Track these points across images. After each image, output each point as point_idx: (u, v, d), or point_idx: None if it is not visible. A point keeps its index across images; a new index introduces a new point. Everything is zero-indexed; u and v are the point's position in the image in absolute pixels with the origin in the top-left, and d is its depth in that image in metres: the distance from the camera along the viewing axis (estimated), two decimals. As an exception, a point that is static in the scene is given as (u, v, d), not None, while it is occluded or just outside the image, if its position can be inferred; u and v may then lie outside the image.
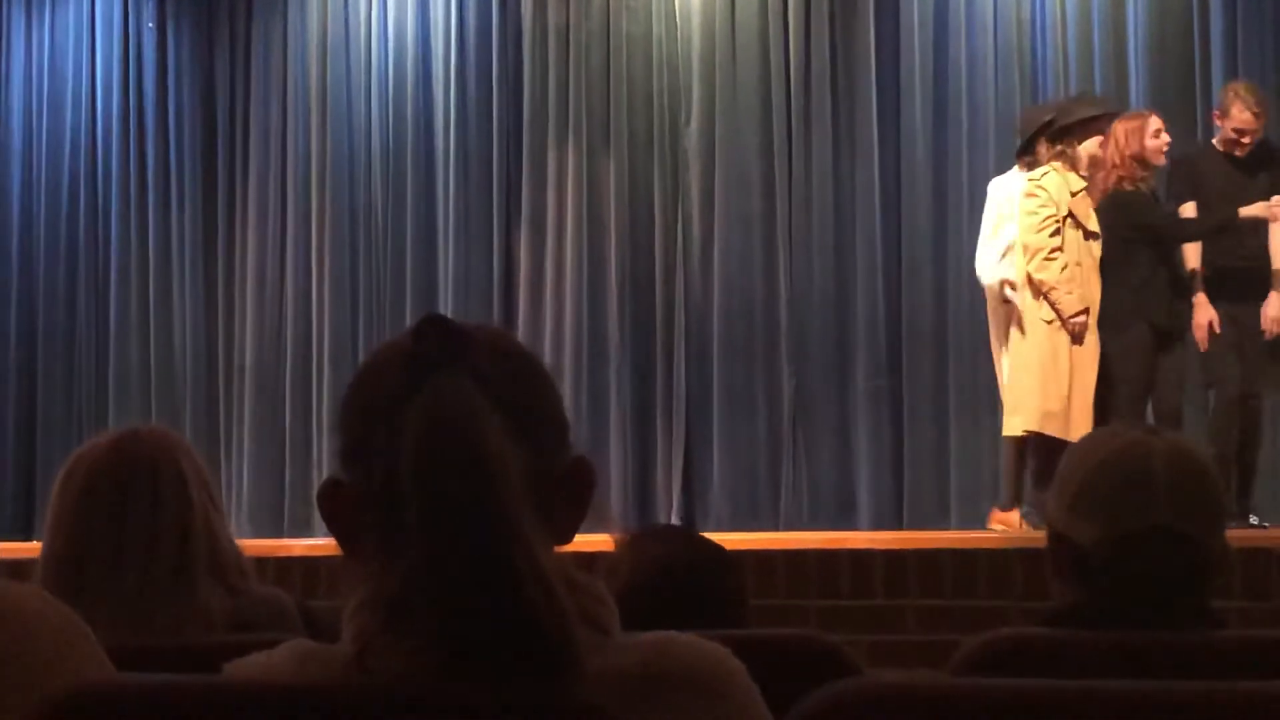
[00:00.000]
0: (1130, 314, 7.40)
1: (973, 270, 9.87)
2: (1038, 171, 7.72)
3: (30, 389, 11.35)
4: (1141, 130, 7.65)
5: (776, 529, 9.70)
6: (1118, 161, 7.60)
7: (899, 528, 9.56)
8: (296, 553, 6.67)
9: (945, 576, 5.89)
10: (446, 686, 1.28)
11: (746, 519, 9.96)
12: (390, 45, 11.10)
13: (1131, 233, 7.45)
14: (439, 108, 10.99)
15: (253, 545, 7.25)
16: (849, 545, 6.40)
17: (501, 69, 10.85)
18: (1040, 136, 7.91)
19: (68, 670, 1.51)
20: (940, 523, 9.62)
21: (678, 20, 10.58)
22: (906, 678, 1.35)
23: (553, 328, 10.50)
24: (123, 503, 2.56)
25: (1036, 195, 7.58)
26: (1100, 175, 7.65)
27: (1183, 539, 2.17)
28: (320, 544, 6.90)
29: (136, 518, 2.56)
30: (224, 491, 10.57)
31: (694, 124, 10.52)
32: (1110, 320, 7.44)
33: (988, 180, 9.89)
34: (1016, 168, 8.17)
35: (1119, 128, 7.71)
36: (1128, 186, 7.57)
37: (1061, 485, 2.26)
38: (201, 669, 1.43)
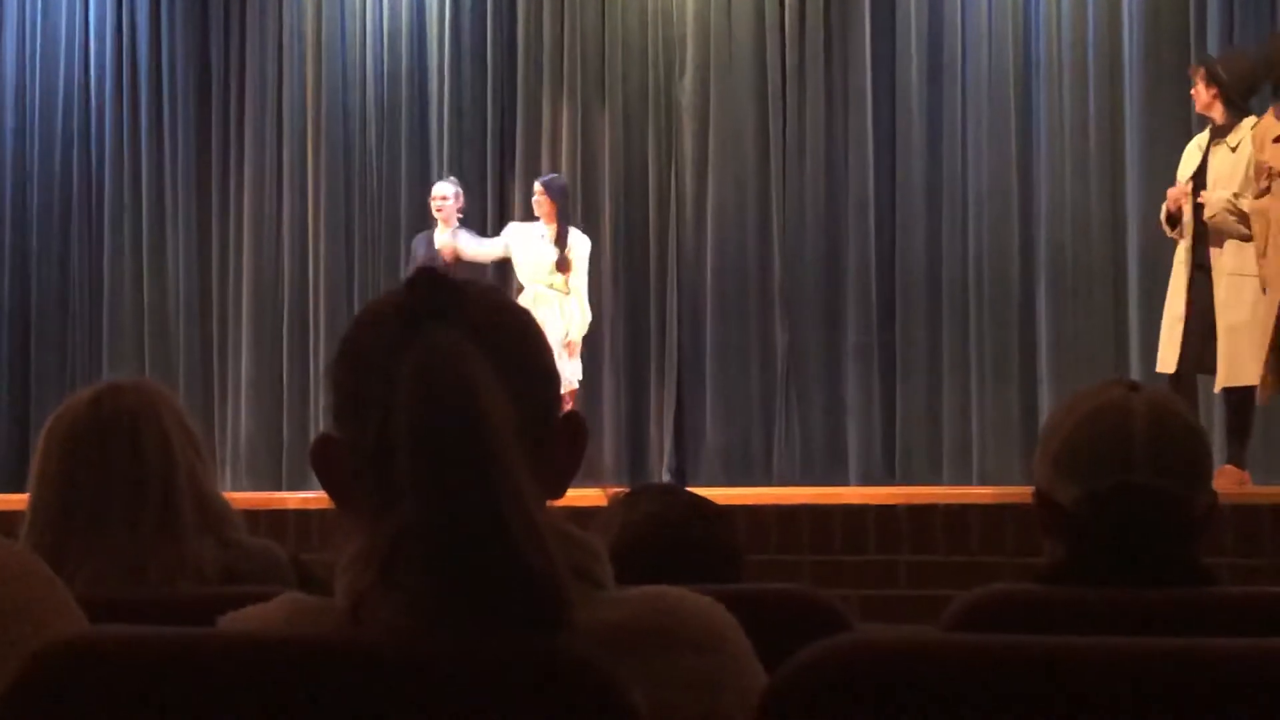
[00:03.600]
0: None
1: (965, 223, 9.91)
2: None
3: (24, 339, 11.35)
4: None
5: (769, 484, 9.72)
6: None
7: (891, 483, 9.58)
8: (291, 506, 6.68)
9: (937, 532, 5.91)
10: (439, 639, 1.28)
11: (739, 474, 9.99)
12: (384, -3, 11.07)
13: None
14: (433, 59, 10.96)
15: (247, 498, 7.27)
16: (841, 500, 6.42)
17: (495, 21, 10.83)
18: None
19: (40, 624, 1.51)
20: (932, 478, 9.64)
21: (673, -27, 10.56)
22: (897, 633, 1.35)
23: (546, 281, 10.49)
24: (104, 457, 2.56)
25: None
26: None
27: (1162, 495, 2.17)
28: (314, 497, 6.91)
29: (119, 472, 2.56)
30: (220, 444, 10.59)
31: (688, 78, 10.50)
32: None
33: (981, 134, 9.89)
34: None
35: None
36: None
37: (1044, 444, 2.27)
38: (193, 621, 1.44)
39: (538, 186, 9.50)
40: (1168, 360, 7.39)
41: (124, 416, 2.60)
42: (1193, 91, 7.52)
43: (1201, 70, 7.47)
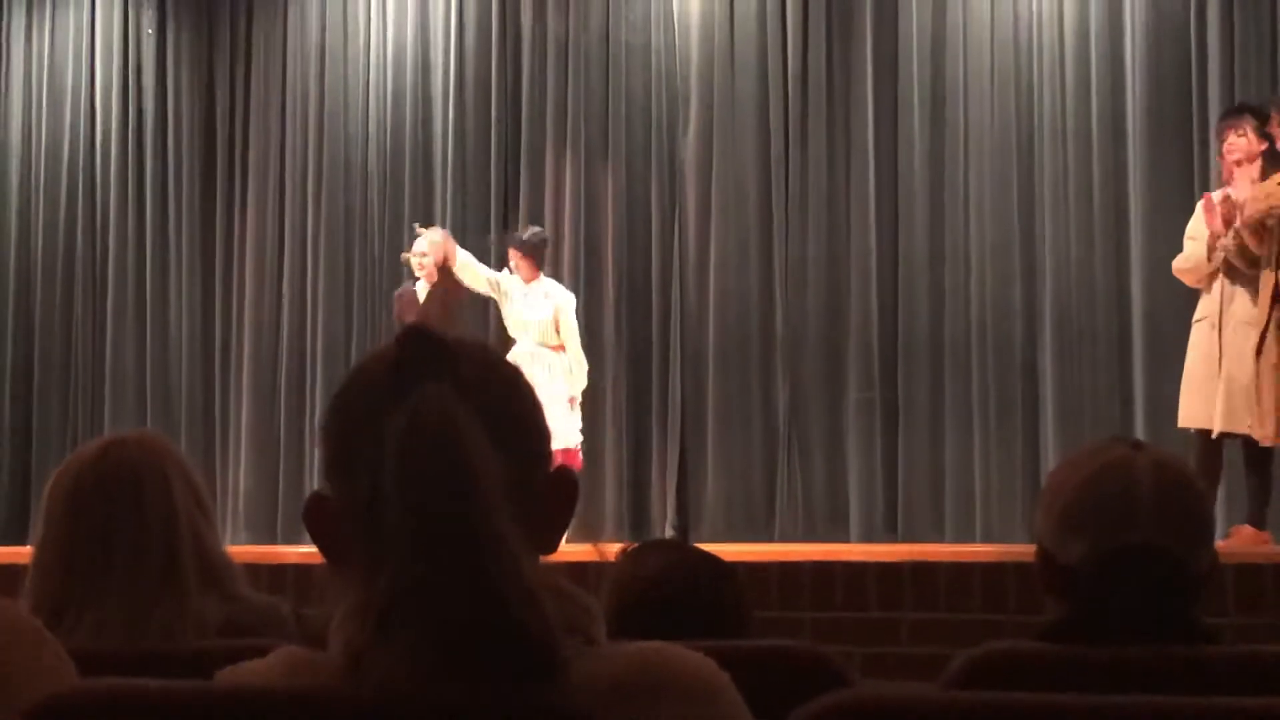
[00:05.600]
0: None
1: (969, 280, 9.92)
2: None
3: (26, 393, 11.36)
4: None
5: (771, 540, 9.70)
6: None
7: (893, 540, 9.56)
8: (290, 560, 6.67)
9: (939, 590, 5.89)
10: (434, 694, 1.28)
11: (741, 530, 9.96)
12: (389, 53, 11.11)
13: None
14: (437, 116, 10.99)
15: (246, 552, 7.27)
16: (843, 557, 6.40)
17: (500, 77, 10.86)
18: None
19: (31, 681, 1.51)
20: (935, 535, 9.62)
21: (676, 31, 10.59)
22: (898, 690, 1.35)
23: (549, 337, 10.49)
24: (108, 511, 2.56)
25: None
26: None
27: (1167, 555, 2.17)
28: (314, 552, 6.88)
29: (121, 526, 2.56)
30: (219, 497, 10.57)
31: (691, 134, 10.53)
32: None
33: (984, 192, 9.91)
34: None
35: None
36: None
37: (1048, 502, 2.26)
38: (193, 675, 1.44)
39: (511, 249, 9.38)
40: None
41: (128, 470, 2.60)
42: (1271, 129, 7.30)
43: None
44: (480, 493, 1.31)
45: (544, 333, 9.18)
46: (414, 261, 9.58)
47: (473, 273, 9.36)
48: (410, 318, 9.36)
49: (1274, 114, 7.22)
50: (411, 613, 1.30)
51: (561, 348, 9.20)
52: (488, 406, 1.38)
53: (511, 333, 9.27)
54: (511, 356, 8.86)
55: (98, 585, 2.53)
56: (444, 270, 9.48)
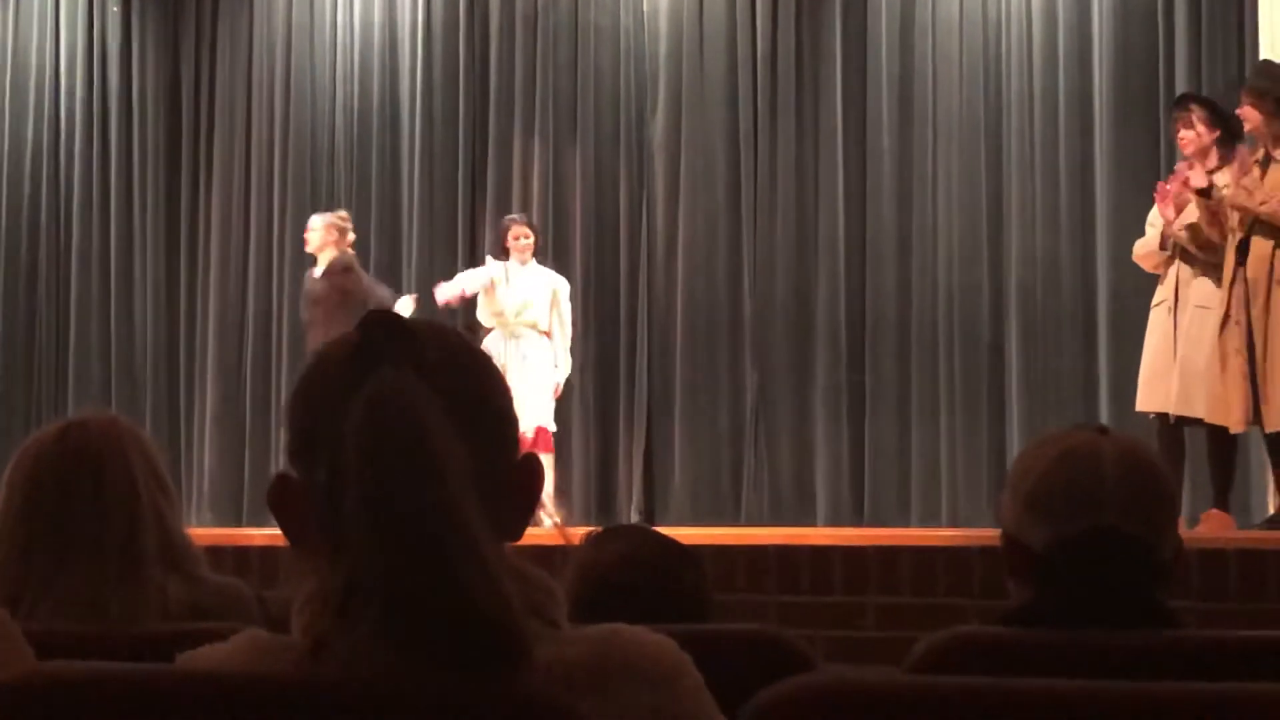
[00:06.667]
0: None
1: (935, 263, 9.95)
2: None
3: (-11, 373, 11.30)
4: None
5: (737, 524, 9.71)
6: None
7: (859, 524, 9.58)
8: (256, 542, 6.64)
9: (904, 574, 5.89)
10: (397, 677, 1.28)
11: (707, 514, 9.97)
12: (356, 33, 11.07)
13: None
14: (404, 96, 10.96)
15: (211, 534, 7.24)
16: (808, 541, 6.40)
17: (468, 58, 10.84)
18: None
19: None
20: (901, 519, 9.64)
21: (645, 12, 10.58)
22: (861, 674, 1.35)
23: (516, 320, 10.48)
24: (68, 493, 2.55)
25: None
26: None
27: (1132, 539, 2.18)
28: (279, 534, 6.86)
29: (81, 508, 2.55)
30: (184, 480, 10.54)
31: (660, 116, 10.52)
32: None
33: (952, 175, 9.93)
34: None
35: None
36: None
37: (1013, 487, 2.27)
38: (155, 658, 1.43)
39: (524, 227, 9.40)
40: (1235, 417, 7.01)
41: (89, 452, 2.59)
42: (1240, 111, 7.21)
43: (1245, 92, 7.18)
44: (441, 477, 1.31)
45: (537, 313, 9.16)
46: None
47: (478, 283, 9.36)
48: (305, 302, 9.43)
49: (1244, 97, 7.14)
50: (374, 597, 1.30)
51: (548, 333, 9.22)
52: (451, 391, 1.38)
53: (487, 320, 9.26)
54: (490, 342, 8.91)
55: (57, 567, 2.52)
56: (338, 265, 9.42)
